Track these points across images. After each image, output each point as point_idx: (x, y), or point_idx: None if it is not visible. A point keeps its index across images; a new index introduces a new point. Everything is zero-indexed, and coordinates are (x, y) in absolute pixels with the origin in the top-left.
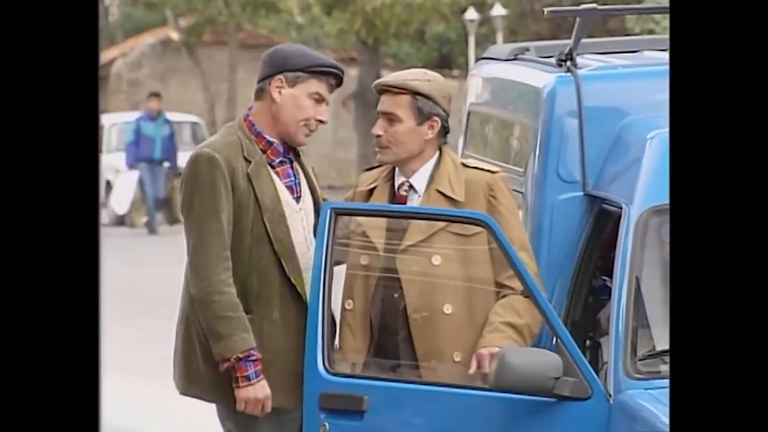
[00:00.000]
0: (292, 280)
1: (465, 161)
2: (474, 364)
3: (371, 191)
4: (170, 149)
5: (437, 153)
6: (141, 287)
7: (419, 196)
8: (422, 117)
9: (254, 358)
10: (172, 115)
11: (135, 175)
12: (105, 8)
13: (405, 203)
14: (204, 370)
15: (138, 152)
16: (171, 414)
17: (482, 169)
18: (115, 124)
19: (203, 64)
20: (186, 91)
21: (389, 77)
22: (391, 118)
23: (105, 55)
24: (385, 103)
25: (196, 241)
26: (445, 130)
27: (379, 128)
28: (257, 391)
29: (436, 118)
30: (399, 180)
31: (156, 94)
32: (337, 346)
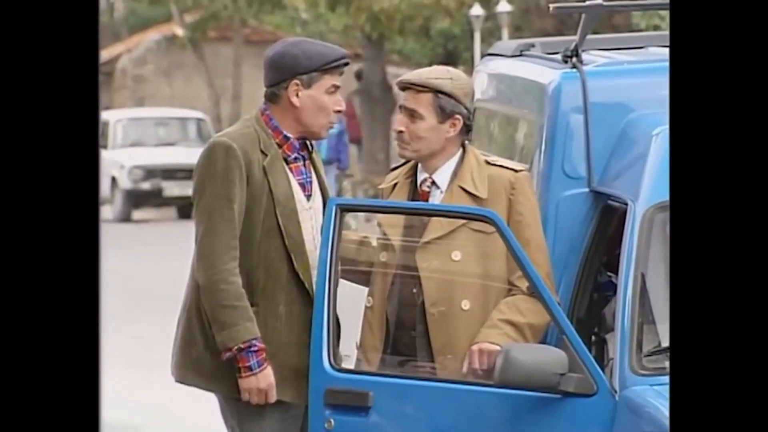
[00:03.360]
0: (300, 276)
1: (488, 158)
2: (466, 361)
3: (393, 188)
4: (339, 148)
5: (460, 150)
6: (146, 284)
7: (441, 192)
8: (444, 115)
9: (256, 348)
10: (176, 112)
11: None
12: (110, 4)
13: (427, 199)
14: (203, 359)
15: None
16: (175, 411)
17: (506, 167)
18: (120, 120)
19: (208, 60)
20: (191, 87)
21: (412, 74)
22: (413, 115)
23: (110, 51)
24: (408, 99)
25: (206, 229)
26: (467, 128)
27: (400, 124)
28: (260, 381)
29: (458, 116)
30: (421, 176)
31: None
32: (358, 343)
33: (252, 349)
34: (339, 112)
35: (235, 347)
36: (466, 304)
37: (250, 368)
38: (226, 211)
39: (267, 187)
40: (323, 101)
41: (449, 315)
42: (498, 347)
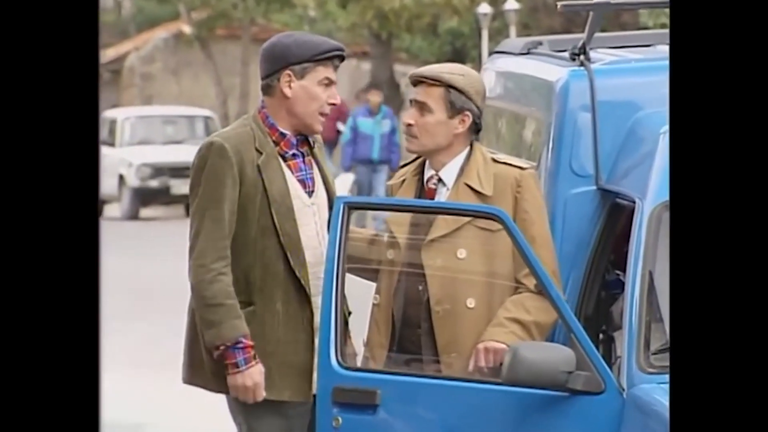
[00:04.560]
0: (297, 274)
1: (495, 156)
2: (472, 359)
3: (401, 185)
4: (390, 148)
5: (468, 148)
6: (153, 282)
7: (448, 189)
8: (454, 110)
9: (243, 345)
10: (184, 110)
11: (350, 178)
12: (117, 2)
13: (433, 196)
14: (207, 359)
15: (355, 152)
16: (180, 410)
17: (512, 165)
18: (127, 118)
19: (216, 58)
20: (199, 85)
21: (425, 69)
22: (422, 108)
23: (118, 49)
24: (419, 93)
25: (196, 230)
26: (476, 126)
27: (409, 117)
28: (245, 378)
29: (468, 113)
30: (428, 173)
31: (375, 86)
32: (365, 340)
33: (238, 346)
34: (334, 105)
35: (222, 345)
36: (471, 302)
37: (236, 365)
38: (215, 211)
39: (261, 185)
40: (316, 92)
41: (454, 313)
42: (504, 346)
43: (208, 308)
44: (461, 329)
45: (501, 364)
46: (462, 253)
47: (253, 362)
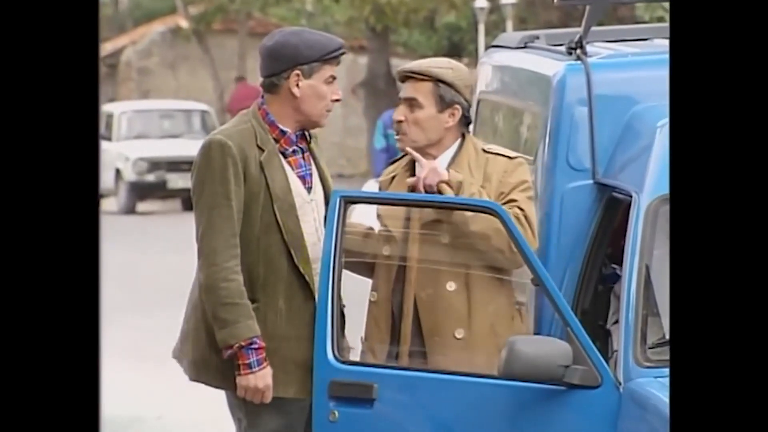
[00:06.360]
0: (301, 270)
1: (486, 146)
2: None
3: (391, 181)
4: None
5: (459, 140)
6: (150, 276)
7: None
8: (443, 104)
9: (257, 346)
10: (181, 104)
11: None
12: None
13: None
14: (212, 356)
15: (388, 158)
16: (181, 404)
17: (502, 155)
18: (124, 112)
19: (213, 52)
20: (196, 79)
21: (412, 64)
22: (412, 104)
23: (114, 43)
24: (408, 89)
25: (206, 228)
26: (466, 120)
27: (399, 113)
28: (257, 379)
29: (457, 107)
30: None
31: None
32: (363, 337)
33: (252, 346)
34: (337, 101)
35: (236, 345)
36: (451, 285)
37: (249, 366)
38: (224, 209)
39: (264, 182)
40: (322, 90)
41: (435, 297)
42: (446, 174)
43: (222, 307)
44: (442, 312)
45: (438, 191)
46: (445, 238)
47: (265, 363)
